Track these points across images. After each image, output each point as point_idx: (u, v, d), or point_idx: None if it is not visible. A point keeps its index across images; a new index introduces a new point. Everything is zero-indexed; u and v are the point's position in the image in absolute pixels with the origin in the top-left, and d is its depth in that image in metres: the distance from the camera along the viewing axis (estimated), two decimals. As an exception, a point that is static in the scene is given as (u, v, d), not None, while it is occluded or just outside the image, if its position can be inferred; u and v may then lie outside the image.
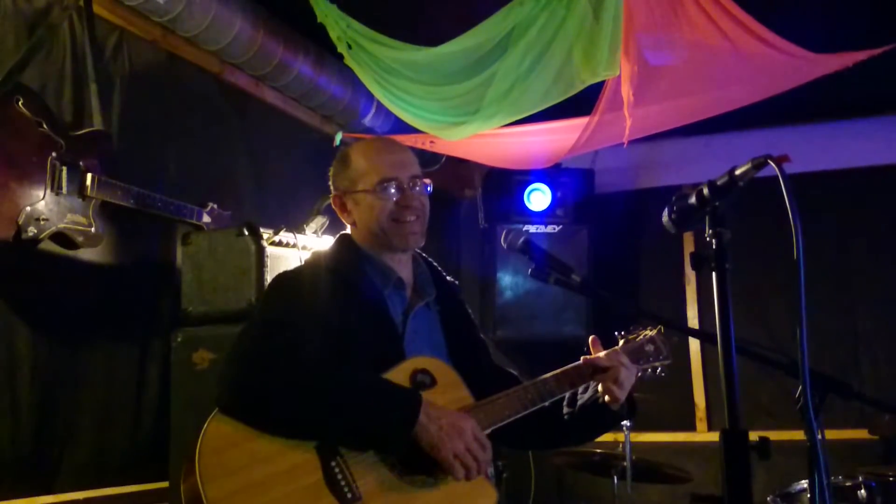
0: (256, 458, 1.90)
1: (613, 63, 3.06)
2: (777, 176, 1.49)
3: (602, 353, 2.32)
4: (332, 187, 2.33)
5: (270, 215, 4.07)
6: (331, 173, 2.34)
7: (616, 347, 2.37)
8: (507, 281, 5.25)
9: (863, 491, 3.21)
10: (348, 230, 2.37)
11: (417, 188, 2.24)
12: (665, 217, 1.68)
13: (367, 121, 4.79)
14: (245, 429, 1.92)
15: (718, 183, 1.56)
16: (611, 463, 3.97)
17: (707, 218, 1.57)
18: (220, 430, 1.93)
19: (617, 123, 3.44)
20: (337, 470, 1.91)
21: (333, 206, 2.33)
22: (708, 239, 1.55)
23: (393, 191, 2.20)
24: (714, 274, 1.51)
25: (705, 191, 1.58)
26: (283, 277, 2.23)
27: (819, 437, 1.57)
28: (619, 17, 3.06)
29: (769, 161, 1.43)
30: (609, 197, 5.56)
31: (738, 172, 1.55)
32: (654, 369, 2.42)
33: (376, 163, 2.23)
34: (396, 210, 2.19)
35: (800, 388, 1.59)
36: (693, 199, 1.62)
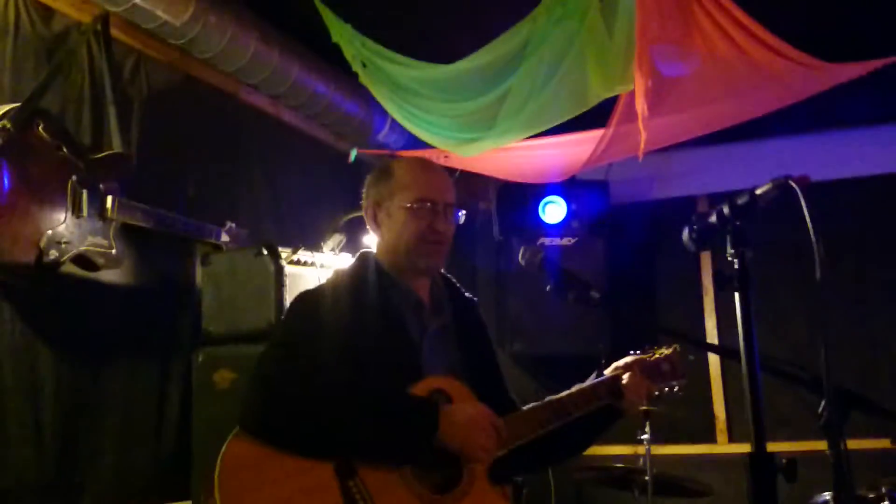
0: (275, 478, 1.93)
1: (627, 77, 3.07)
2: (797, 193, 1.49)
3: (620, 373, 2.34)
4: (365, 196, 2.34)
5: (287, 233, 4.10)
6: (367, 182, 2.35)
7: (633, 367, 2.38)
8: (523, 294, 5.22)
9: (887, 502, 3.19)
10: (369, 248, 2.38)
11: (450, 215, 2.26)
12: (685, 236, 1.68)
13: (382, 137, 4.82)
14: (263, 448, 1.95)
15: (739, 203, 1.56)
16: (631, 477, 3.95)
17: (729, 237, 1.57)
18: (239, 450, 1.96)
19: (631, 136, 3.44)
20: (355, 490, 1.93)
21: (364, 216, 2.34)
22: (730, 259, 1.55)
23: (428, 211, 2.21)
24: (737, 294, 1.51)
25: (725, 210, 1.58)
26: (304, 298, 2.25)
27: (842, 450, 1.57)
28: (632, 31, 3.07)
29: (790, 182, 1.43)
30: (624, 208, 5.54)
31: (758, 193, 1.55)
32: (671, 389, 2.43)
33: (419, 180, 2.25)
34: (427, 231, 2.21)
35: (822, 403, 1.59)
36: (713, 219, 1.62)
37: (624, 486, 4.02)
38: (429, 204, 2.22)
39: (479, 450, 2.03)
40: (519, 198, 5.40)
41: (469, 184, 5.39)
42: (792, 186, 1.43)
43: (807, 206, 1.40)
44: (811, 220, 1.39)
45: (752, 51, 3.28)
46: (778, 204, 1.59)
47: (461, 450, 2.02)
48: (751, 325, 1.49)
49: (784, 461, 1.47)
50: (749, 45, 3.26)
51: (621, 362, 2.40)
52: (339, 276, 2.32)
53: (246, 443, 1.96)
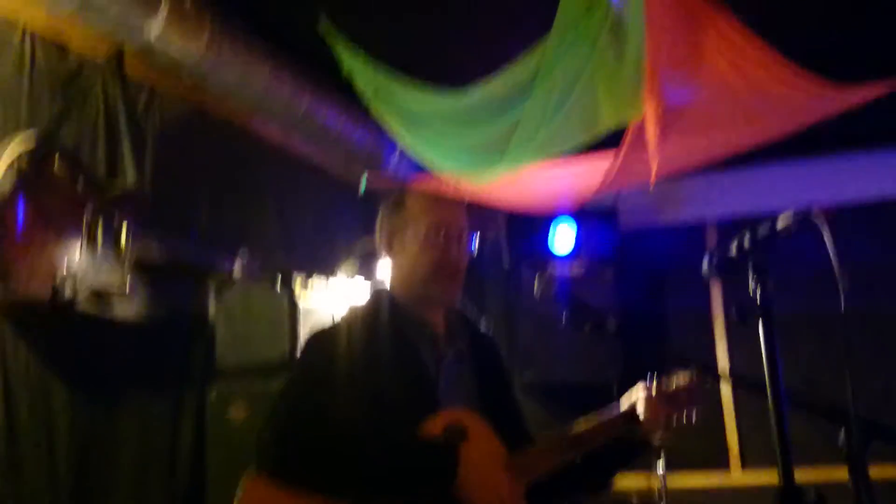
0: None
1: (638, 105, 3.08)
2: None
3: (637, 401, 2.33)
4: (379, 227, 2.35)
5: (299, 262, 4.10)
6: (380, 214, 2.37)
7: (651, 394, 2.36)
8: (533, 323, 5.21)
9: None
10: (383, 282, 2.39)
11: (463, 242, 2.26)
12: (705, 266, 1.68)
13: (392, 166, 4.85)
14: (280, 487, 1.96)
15: (759, 234, 1.56)
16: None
17: (750, 268, 1.56)
18: (256, 489, 1.99)
19: (641, 163, 3.44)
20: None
21: (379, 248, 2.35)
22: (752, 291, 1.54)
23: (441, 238, 2.22)
24: (760, 325, 1.50)
25: (746, 241, 1.58)
26: (319, 336, 2.25)
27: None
28: (641, 59, 3.08)
29: (814, 217, 1.43)
30: (633, 235, 5.52)
31: (779, 226, 1.54)
32: (690, 416, 2.42)
33: (431, 209, 2.28)
34: (441, 259, 2.21)
35: (842, 433, 1.59)
36: (733, 250, 1.61)
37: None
38: (442, 231, 2.23)
39: None
40: (527, 226, 5.39)
41: (477, 213, 5.39)
42: (813, 220, 1.43)
43: (831, 240, 1.40)
44: (835, 254, 1.38)
45: (762, 75, 3.28)
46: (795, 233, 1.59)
47: None
48: (775, 358, 1.49)
49: (814, 496, 1.46)
50: (759, 70, 3.27)
51: (637, 391, 2.38)
52: (353, 312, 2.32)
53: (263, 482, 1.97)
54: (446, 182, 4.06)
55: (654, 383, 2.39)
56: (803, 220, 1.49)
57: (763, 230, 1.56)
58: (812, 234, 1.49)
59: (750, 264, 1.55)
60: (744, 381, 1.65)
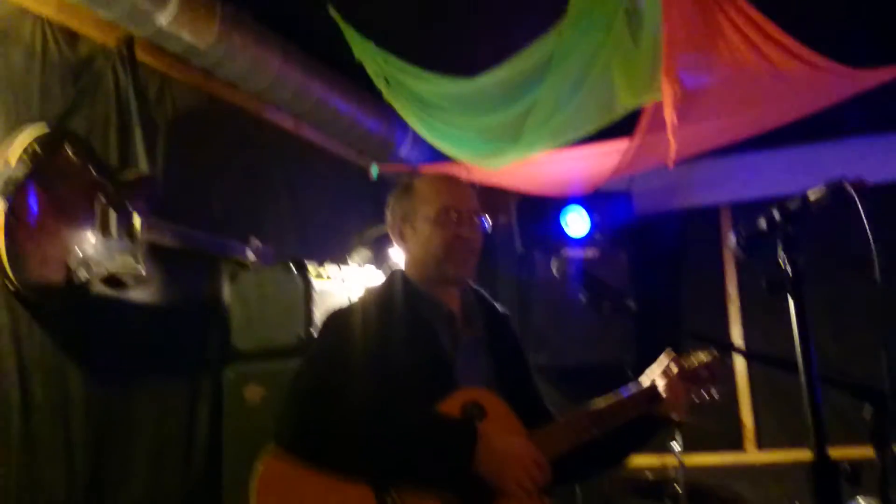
0: (311, 494, 1.95)
1: (655, 87, 3.06)
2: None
3: (659, 378, 2.31)
4: (390, 213, 2.34)
5: (311, 249, 4.11)
6: (391, 200, 2.36)
7: (672, 373, 2.34)
8: (546, 307, 5.19)
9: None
10: (398, 264, 2.39)
11: (475, 222, 2.25)
12: (733, 243, 1.65)
13: (403, 153, 4.84)
14: (298, 465, 1.96)
15: (791, 208, 1.53)
16: (662, 488, 3.91)
17: (780, 243, 1.53)
18: (275, 466, 1.98)
19: (658, 146, 3.42)
20: None
21: (391, 234, 2.34)
22: (782, 265, 1.52)
23: (453, 220, 2.21)
24: (791, 301, 1.48)
25: (776, 215, 1.55)
26: (337, 316, 2.25)
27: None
28: (658, 41, 3.06)
29: (845, 186, 1.41)
30: (647, 219, 5.50)
31: (811, 198, 1.52)
32: (711, 395, 2.40)
33: (441, 191, 2.26)
34: (453, 239, 2.21)
35: (872, 410, 1.57)
36: (763, 225, 1.59)
37: (654, 497, 3.97)
38: (453, 213, 2.22)
39: (513, 484, 1.99)
40: (539, 210, 5.37)
41: (488, 198, 5.37)
42: (847, 192, 1.41)
43: (864, 211, 1.38)
44: (868, 225, 1.37)
45: (776, 58, 3.26)
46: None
47: (496, 481, 1.98)
48: (807, 332, 1.47)
49: (849, 468, 1.44)
50: (774, 53, 3.25)
51: (659, 367, 2.35)
52: (369, 293, 2.32)
53: (282, 459, 1.98)
54: (457, 166, 4.06)
55: (676, 361, 2.36)
56: (836, 193, 1.47)
57: (794, 204, 1.54)
58: (841, 209, 1.47)
59: (780, 238, 1.52)
60: (766, 359, 1.63)
